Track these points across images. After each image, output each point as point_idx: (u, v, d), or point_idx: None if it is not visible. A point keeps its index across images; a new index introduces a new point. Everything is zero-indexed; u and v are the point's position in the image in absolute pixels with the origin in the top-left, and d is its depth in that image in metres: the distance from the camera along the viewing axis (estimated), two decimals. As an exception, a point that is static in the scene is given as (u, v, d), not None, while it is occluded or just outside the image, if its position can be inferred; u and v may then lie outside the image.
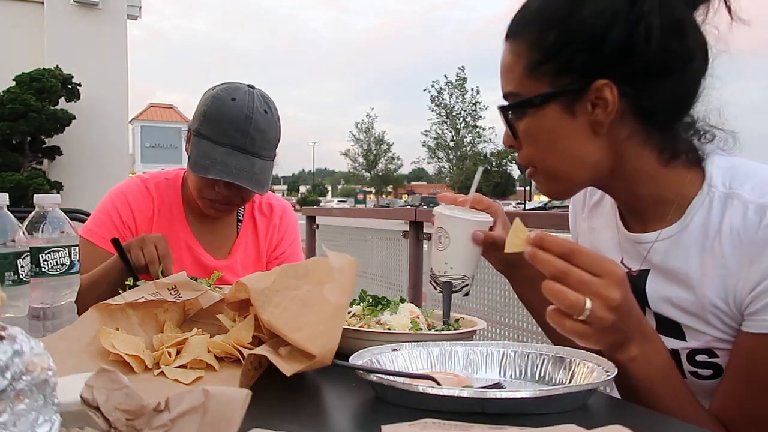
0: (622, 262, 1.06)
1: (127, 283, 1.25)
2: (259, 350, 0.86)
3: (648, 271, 1.02)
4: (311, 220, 5.33)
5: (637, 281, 1.02)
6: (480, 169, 1.07)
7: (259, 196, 1.86)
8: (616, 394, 1.05)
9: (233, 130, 1.57)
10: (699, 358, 0.97)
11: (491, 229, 1.14)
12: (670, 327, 0.99)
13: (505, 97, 1.01)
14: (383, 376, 0.82)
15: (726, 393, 0.92)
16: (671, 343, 0.98)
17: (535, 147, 1.00)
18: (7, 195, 1.04)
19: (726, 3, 0.93)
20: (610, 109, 0.92)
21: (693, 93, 0.95)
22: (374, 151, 57.87)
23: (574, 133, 0.95)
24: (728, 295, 0.91)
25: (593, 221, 1.19)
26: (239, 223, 1.84)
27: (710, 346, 0.95)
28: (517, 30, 0.99)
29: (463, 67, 52.35)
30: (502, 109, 1.01)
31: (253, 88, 1.67)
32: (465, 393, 0.75)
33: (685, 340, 0.98)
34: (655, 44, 0.89)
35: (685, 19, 0.92)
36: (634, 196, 1.01)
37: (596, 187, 1.08)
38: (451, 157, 47.44)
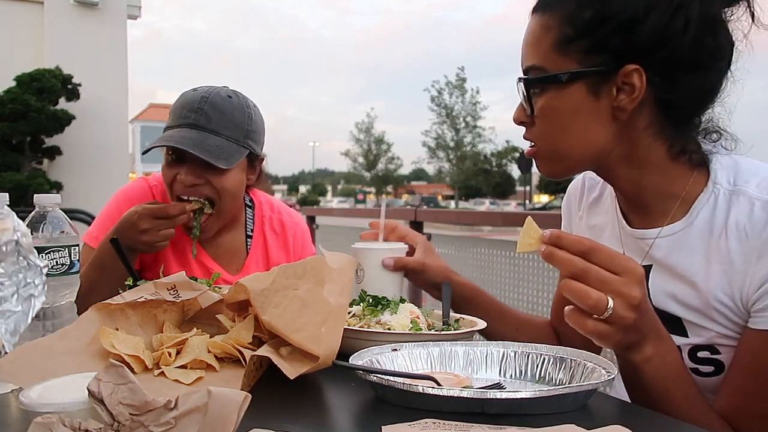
0: None
1: (126, 283, 1.25)
2: (261, 351, 0.86)
3: (650, 266, 1.02)
4: (311, 220, 5.33)
5: None
6: (384, 203, 1.16)
7: (269, 212, 1.79)
8: (615, 394, 1.05)
9: (187, 111, 1.52)
10: (701, 354, 0.97)
11: (408, 255, 1.24)
12: (671, 323, 0.99)
13: (526, 70, 0.99)
14: (383, 376, 0.82)
15: (733, 390, 0.92)
16: (674, 339, 0.98)
17: (550, 125, 0.98)
18: (7, 195, 1.03)
19: (750, 8, 0.92)
20: (635, 95, 0.91)
21: (715, 92, 0.95)
22: (374, 151, 57.84)
23: (593, 116, 0.94)
24: (734, 292, 0.91)
25: (592, 219, 1.18)
26: (248, 239, 1.75)
27: (713, 342, 0.95)
28: (549, 2, 0.97)
29: (463, 67, 52.39)
30: (524, 82, 0.98)
31: (226, 87, 1.63)
32: (465, 393, 0.75)
33: (687, 336, 0.98)
34: (690, 36, 0.89)
35: (719, 16, 0.92)
36: (640, 187, 1.00)
37: (600, 175, 1.07)
38: (451, 157, 47.38)
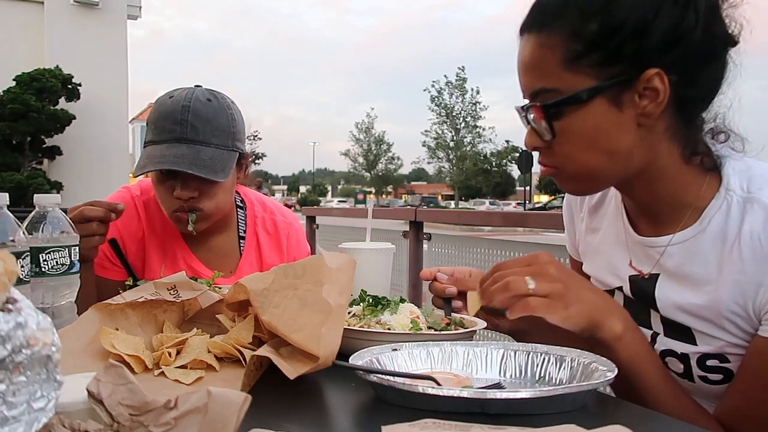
0: (630, 264, 1.04)
1: (126, 282, 1.25)
2: (262, 351, 0.86)
3: (657, 275, 1.00)
4: (311, 220, 5.33)
5: (647, 284, 1.01)
6: (371, 204, 1.19)
7: (261, 211, 1.75)
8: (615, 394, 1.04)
9: (171, 124, 1.47)
10: (710, 362, 0.95)
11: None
12: (680, 331, 0.97)
13: (535, 94, 0.93)
14: (383, 376, 0.82)
15: (735, 393, 0.91)
16: (681, 347, 0.97)
17: (574, 144, 0.93)
18: (7, 195, 1.03)
19: None
20: (660, 99, 0.88)
21: (722, 80, 0.92)
22: (374, 151, 57.91)
23: (618, 128, 0.91)
24: (746, 301, 0.90)
25: (594, 222, 1.16)
26: (241, 240, 1.70)
27: (723, 351, 0.94)
28: (545, 21, 0.92)
29: (463, 67, 52.29)
30: (541, 108, 0.92)
31: (199, 86, 1.58)
32: (465, 393, 0.75)
33: (695, 344, 0.96)
34: (701, 28, 0.87)
35: (720, 3, 0.90)
36: (655, 196, 0.98)
37: (617, 188, 1.04)
38: (451, 157, 47.40)
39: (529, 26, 0.94)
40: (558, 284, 0.87)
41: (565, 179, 0.99)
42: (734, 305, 0.90)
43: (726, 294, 0.91)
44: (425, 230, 3.90)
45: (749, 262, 0.89)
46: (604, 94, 0.89)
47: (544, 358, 0.94)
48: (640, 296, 1.02)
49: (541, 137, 0.95)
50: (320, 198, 74.01)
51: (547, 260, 0.90)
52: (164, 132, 1.48)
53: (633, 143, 0.92)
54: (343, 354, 0.89)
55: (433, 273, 1.19)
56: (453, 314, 1.19)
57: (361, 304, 1.15)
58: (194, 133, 1.47)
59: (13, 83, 10.15)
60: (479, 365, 0.97)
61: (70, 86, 10.29)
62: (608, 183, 1.01)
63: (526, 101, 0.95)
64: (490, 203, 51.12)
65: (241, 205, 1.74)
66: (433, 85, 46.91)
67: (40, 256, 1.06)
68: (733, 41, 0.91)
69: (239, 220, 1.72)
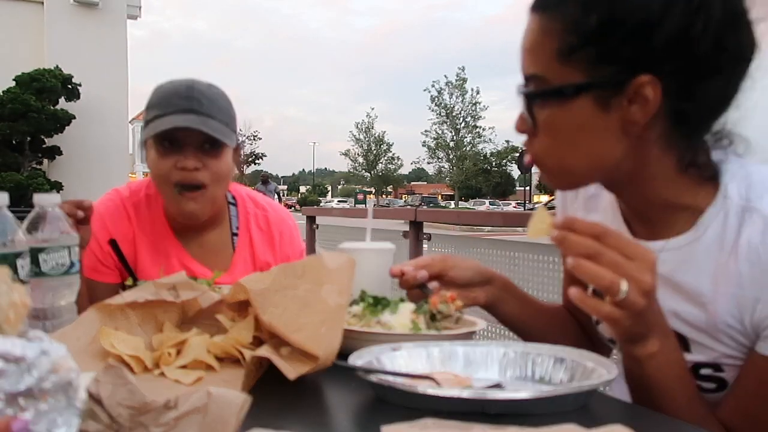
0: None
1: (126, 282, 1.25)
2: (261, 351, 0.86)
3: None
4: (311, 220, 5.33)
5: None
6: (371, 204, 1.17)
7: (253, 208, 1.74)
8: (615, 394, 1.05)
9: (177, 99, 1.50)
10: (704, 371, 0.93)
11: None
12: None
13: (528, 78, 0.90)
14: (383, 376, 0.82)
15: (734, 411, 0.89)
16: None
17: (554, 139, 0.90)
18: (7, 195, 1.03)
19: None
20: (649, 108, 0.83)
21: (732, 97, 0.87)
22: (374, 151, 58.01)
23: (602, 131, 0.87)
24: (743, 315, 0.87)
25: (589, 215, 1.12)
26: (234, 237, 1.69)
27: (718, 361, 0.91)
28: (549, 3, 0.87)
29: (463, 67, 52.41)
30: (526, 94, 0.90)
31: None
32: (465, 393, 0.75)
33: (690, 352, 0.93)
34: (710, 38, 0.81)
35: (744, 12, 0.84)
36: (647, 201, 0.95)
37: (605, 187, 1.00)
38: (451, 157, 47.51)
39: (535, 4, 0.90)
40: (641, 302, 0.78)
41: (546, 172, 0.96)
42: (731, 319, 0.88)
43: (722, 307, 0.88)
44: (425, 230, 3.90)
45: (747, 276, 0.86)
46: (590, 93, 0.85)
47: (544, 359, 0.94)
48: None
49: (527, 123, 0.92)
50: (320, 198, 74.00)
51: (650, 266, 0.79)
52: (170, 106, 1.49)
53: (616, 148, 0.88)
54: (343, 354, 0.89)
55: (400, 269, 1.17)
56: (453, 314, 1.19)
57: (361, 304, 1.15)
58: (200, 106, 1.50)
59: (13, 83, 10.16)
60: (479, 365, 0.97)
61: (70, 86, 10.31)
62: (588, 183, 0.98)
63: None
64: (490, 203, 51.13)
65: (233, 201, 1.73)
66: (433, 85, 47.11)
67: (40, 256, 1.05)
68: (746, 57, 0.85)
69: (231, 217, 1.71)
